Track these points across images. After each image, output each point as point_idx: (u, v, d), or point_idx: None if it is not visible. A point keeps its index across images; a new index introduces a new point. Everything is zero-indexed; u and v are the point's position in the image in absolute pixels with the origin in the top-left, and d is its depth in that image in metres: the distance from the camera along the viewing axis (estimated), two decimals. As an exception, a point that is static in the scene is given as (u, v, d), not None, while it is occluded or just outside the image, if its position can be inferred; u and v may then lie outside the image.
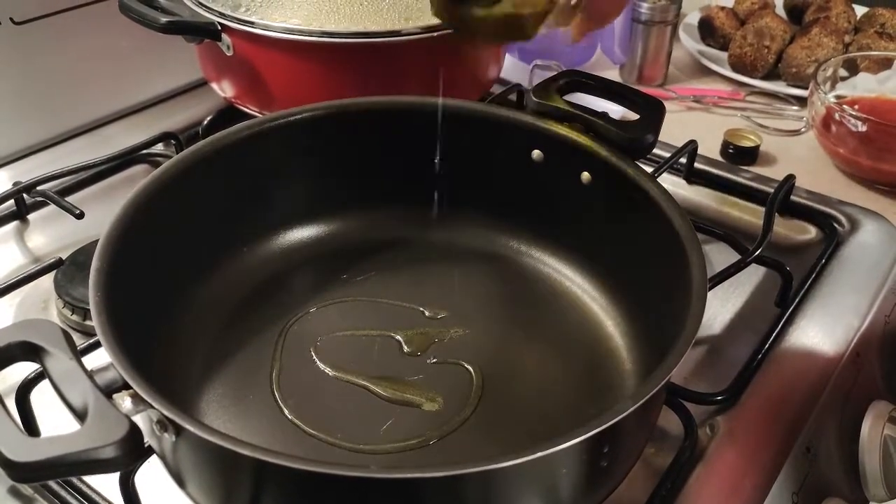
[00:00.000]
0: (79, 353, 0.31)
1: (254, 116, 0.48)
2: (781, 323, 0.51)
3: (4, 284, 0.51)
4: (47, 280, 0.53)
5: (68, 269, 0.53)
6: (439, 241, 0.53)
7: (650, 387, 0.33)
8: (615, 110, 0.51)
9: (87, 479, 0.41)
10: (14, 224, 0.60)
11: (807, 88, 0.73)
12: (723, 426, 0.44)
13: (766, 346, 0.49)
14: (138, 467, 0.39)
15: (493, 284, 0.51)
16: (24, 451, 0.27)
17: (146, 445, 0.34)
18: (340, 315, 0.48)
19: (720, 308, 0.54)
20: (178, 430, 0.31)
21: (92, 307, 0.34)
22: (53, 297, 0.52)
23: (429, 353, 0.46)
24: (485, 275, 0.52)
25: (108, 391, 0.31)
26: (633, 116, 0.47)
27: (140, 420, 0.31)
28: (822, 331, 0.51)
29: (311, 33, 0.60)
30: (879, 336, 0.54)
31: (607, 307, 0.48)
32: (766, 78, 0.81)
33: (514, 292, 0.51)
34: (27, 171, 0.63)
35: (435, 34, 0.61)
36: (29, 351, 0.31)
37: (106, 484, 0.40)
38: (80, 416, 0.29)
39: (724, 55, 0.83)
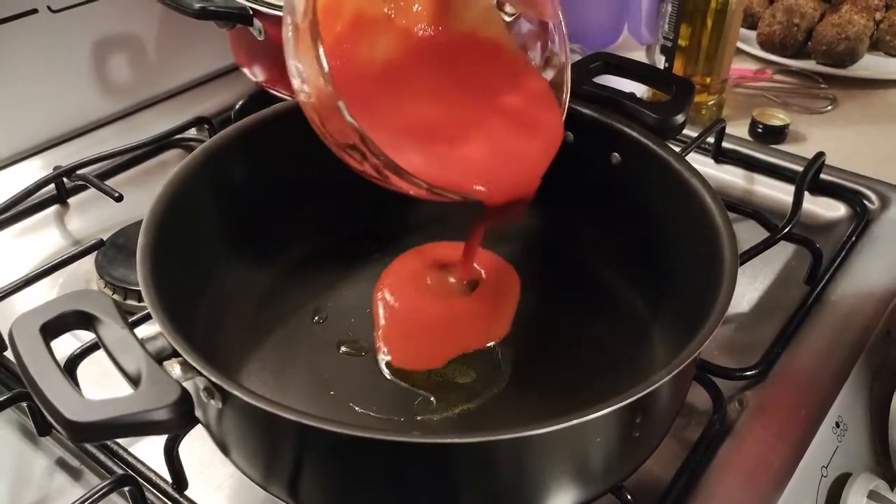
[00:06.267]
0: (129, 323, 0.32)
1: (285, 100, 0.49)
2: (811, 300, 0.51)
3: (48, 265, 0.52)
4: (88, 261, 0.54)
5: (109, 251, 0.54)
6: (468, 220, 0.53)
7: (683, 358, 0.34)
8: (643, 92, 0.51)
9: (132, 449, 0.43)
10: (55, 207, 0.62)
11: (836, 66, 0.72)
12: (752, 401, 0.45)
13: (796, 322, 0.49)
14: (182, 437, 0.40)
15: (521, 263, 0.52)
16: (81, 411, 0.28)
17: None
18: (372, 292, 0.49)
19: (749, 285, 0.54)
20: (225, 397, 0.32)
21: (140, 279, 0.35)
22: (95, 277, 0.54)
23: (461, 330, 0.47)
24: (512, 253, 0.52)
25: (158, 359, 0.32)
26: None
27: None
28: (851, 308, 0.51)
29: (340, 17, 0.60)
30: (910, 313, 0.54)
31: (637, 285, 0.48)
32: (795, 56, 0.80)
33: (542, 271, 0.51)
34: (65, 156, 0.65)
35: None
36: (83, 320, 0.32)
37: (151, 454, 0.42)
38: (134, 381, 0.30)
39: (752, 34, 0.83)
